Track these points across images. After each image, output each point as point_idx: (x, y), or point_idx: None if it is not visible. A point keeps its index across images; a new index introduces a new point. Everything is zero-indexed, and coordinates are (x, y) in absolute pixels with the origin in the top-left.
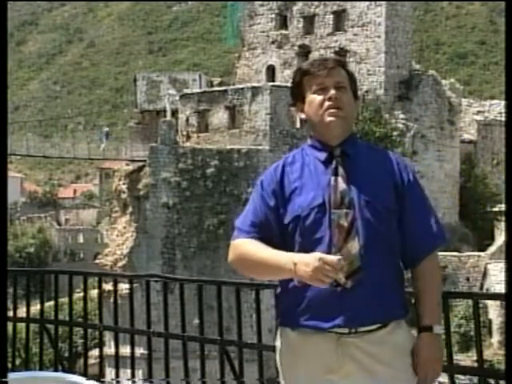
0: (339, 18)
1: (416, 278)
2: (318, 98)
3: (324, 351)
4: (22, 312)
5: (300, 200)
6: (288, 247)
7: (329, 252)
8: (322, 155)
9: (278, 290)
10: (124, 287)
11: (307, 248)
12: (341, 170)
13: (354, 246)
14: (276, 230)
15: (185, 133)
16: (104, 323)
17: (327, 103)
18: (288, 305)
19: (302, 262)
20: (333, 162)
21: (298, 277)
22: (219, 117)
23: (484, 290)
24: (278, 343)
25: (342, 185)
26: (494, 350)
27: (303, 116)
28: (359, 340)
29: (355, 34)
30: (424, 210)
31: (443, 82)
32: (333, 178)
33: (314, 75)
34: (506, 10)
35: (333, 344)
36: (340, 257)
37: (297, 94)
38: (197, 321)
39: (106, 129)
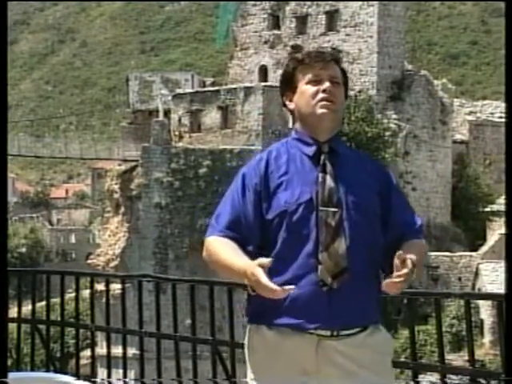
0: (332, 18)
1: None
2: (312, 88)
3: (303, 353)
4: (13, 312)
5: (286, 195)
6: (270, 244)
7: (316, 250)
8: (310, 150)
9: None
10: (116, 287)
11: (292, 244)
12: (329, 168)
13: (341, 245)
14: (256, 227)
15: (177, 133)
16: (96, 323)
17: (321, 95)
18: (267, 303)
19: (250, 271)
20: (321, 158)
21: (250, 284)
22: (212, 117)
23: (476, 290)
24: (249, 341)
25: (330, 182)
26: (485, 349)
27: (292, 106)
28: (339, 343)
29: (348, 34)
30: (409, 209)
31: (435, 82)
32: (321, 175)
33: (309, 65)
34: (505, 10)
35: (313, 346)
36: (270, 259)
37: (288, 82)
38: (189, 321)
39: None
